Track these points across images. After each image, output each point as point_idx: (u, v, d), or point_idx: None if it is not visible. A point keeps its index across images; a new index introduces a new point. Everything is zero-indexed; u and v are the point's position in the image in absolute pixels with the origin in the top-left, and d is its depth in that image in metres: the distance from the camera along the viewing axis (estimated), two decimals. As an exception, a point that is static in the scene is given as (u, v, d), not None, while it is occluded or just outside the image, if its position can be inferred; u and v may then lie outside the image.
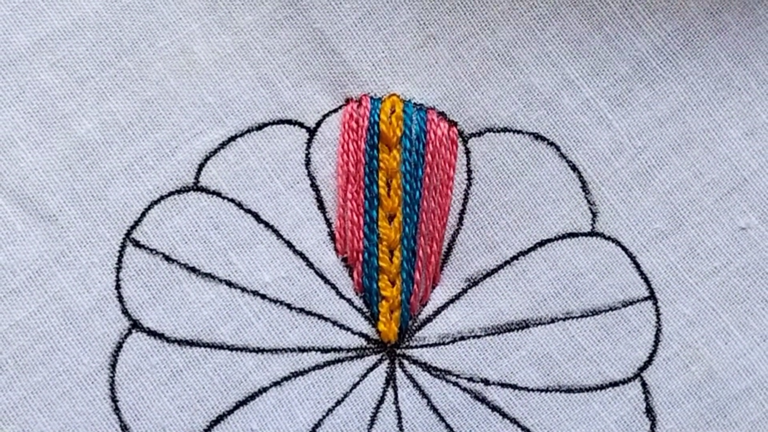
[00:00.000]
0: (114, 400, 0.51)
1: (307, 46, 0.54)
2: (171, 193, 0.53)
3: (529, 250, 0.54)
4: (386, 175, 0.53)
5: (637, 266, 0.54)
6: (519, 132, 0.54)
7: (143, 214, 0.52)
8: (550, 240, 0.54)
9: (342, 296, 0.53)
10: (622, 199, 0.54)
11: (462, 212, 0.54)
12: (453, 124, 0.54)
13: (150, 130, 0.53)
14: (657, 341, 0.53)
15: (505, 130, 0.54)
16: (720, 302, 0.54)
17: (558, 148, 0.54)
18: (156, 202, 0.53)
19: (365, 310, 0.53)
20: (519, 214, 0.54)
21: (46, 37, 0.53)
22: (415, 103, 0.54)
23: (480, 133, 0.54)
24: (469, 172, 0.54)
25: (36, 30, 0.53)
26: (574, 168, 0.54)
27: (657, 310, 0.53)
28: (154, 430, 0.51)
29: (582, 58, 0.55)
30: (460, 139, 0.54)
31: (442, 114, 0.54)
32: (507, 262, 0.54)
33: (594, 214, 0.54)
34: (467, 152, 0.54)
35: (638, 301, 0.53)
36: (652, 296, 0.53)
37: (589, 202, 0.54)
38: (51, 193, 0.52)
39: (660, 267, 0.54)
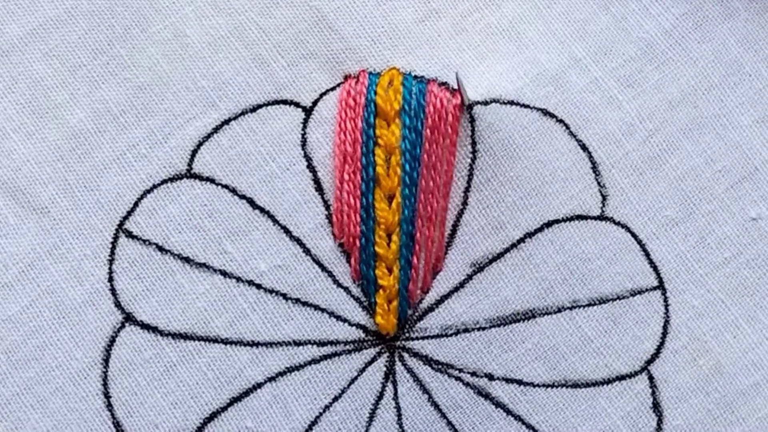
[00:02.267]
0: (107, 396, 0.51)
1: (304, 24, 0.53)
2: (164, 182, 0.52)
3: (536, 231, 0.52)
4: (385, 151, 0.52)
5: (647, 254, 0.52)
6: (526, 106, 0.53)
7: (136, 204, 0.52)
8: (557, 221, 0.52)
9: (339, 285, 0.52)
10: (633, 183, 0.52)
11: (467, 189, 0.52)
12: (456, 92, 0.52)
13: (142, 117, 0.52)
14: (665, 333, 0.52)
15: (512, 103, 0.53)
16: (729, 294, 0.52)
17: (567, 126, 0.53)
18: (149, 191, 0.52)
19: (363, 299, 0.52)
20: (526, 191, 0.52)
21: (38, 27, 0.52)
22: (415, 76, 0.53)
23: (486, 103, 0.52)
24: (473, 144, 0.52)
25: (28, 19, 0.52)
26: (584, 147, 0.52)
27: (665, 300, 0.52)
28: (146, 427, 0.51)
29: (589, 37, 0.53)
30: (465, 109, 0.52)
31: (444, 84, 0.52)
32: (513, 245, 0.52)
33: (604, 197, 0.52)
34: (472, 121, 0.52)
35: (647, 290, 0.52)
36: (661, 286, 0.52)
37: (599, 184, 0.52)
38: (43, 184, 0.51)
39: (670, 256, 0.52)
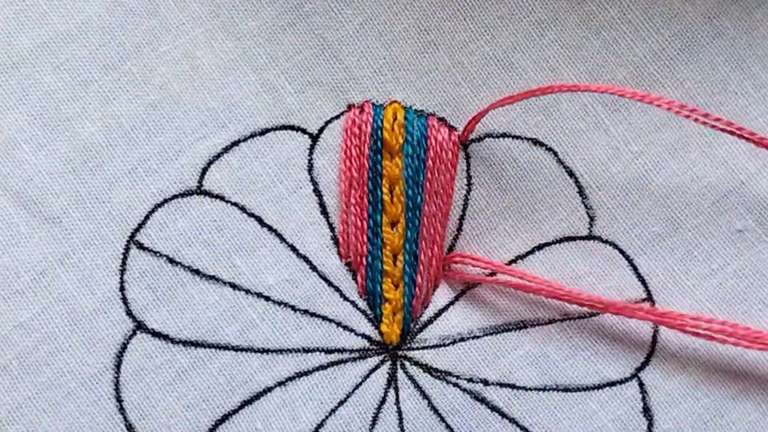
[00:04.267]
0: (119, 400, 0.51)
1: (310, 52, 0.55)
2: (174, 197, 0.53)
3: (527, 254, 0.55)
4: (389, 182, 0.54)
5: (635, 269, 0.54)
6: (517, 137, 0.55)
7: (147, 217, 0.53)
8: (548, 244, 0.55)
9: (345, 298, 0.53)
10: (619, 203, 0.55)
11: (462, 217, 0.55)
12: (453, 129, 0.55)
13: (153, 133, 0.53)
14: (654, 342, 0.54)
15: (504, 135, 0.55)
16: (717, 304, 0.54)
17: (556, 154, 0.55)
18: (160, 205, 0.53)
19: (368, 312, 0.53)
20: (517, 220, 0.55)
21: (49, 40, 0.53)
22: (415, 110, 0.55)
23: (479, 139, 0.55)
24: (468, 177, 0.55)
25: (39, 33, 0.53)
26: (571, 173, 0.55)
27: (654, 311, 0.54)
28: (159, 429, 0.51)
29: (580, 63, 0.55)
30: (460, 144, 0.55)
31: (442, 120, 0.55)
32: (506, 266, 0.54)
33: (591, 218, 0.55)
34: (467, 158, 0.55)
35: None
36: (649, 298, 0.54)
37: (586, 206, 0.55)
38: (55, 195, 0.52)
39: (657, 269, 0.54)
